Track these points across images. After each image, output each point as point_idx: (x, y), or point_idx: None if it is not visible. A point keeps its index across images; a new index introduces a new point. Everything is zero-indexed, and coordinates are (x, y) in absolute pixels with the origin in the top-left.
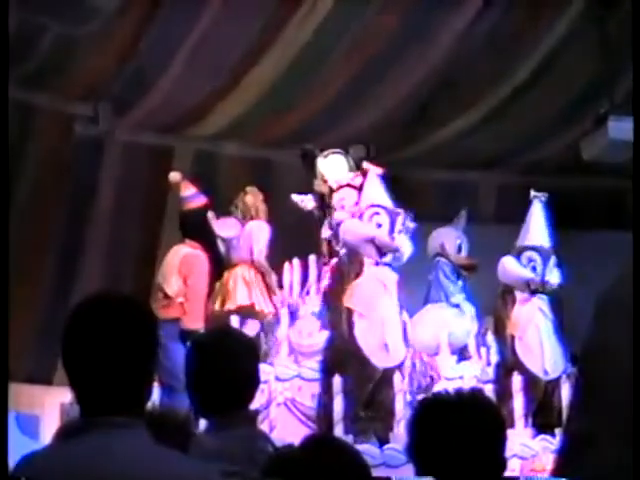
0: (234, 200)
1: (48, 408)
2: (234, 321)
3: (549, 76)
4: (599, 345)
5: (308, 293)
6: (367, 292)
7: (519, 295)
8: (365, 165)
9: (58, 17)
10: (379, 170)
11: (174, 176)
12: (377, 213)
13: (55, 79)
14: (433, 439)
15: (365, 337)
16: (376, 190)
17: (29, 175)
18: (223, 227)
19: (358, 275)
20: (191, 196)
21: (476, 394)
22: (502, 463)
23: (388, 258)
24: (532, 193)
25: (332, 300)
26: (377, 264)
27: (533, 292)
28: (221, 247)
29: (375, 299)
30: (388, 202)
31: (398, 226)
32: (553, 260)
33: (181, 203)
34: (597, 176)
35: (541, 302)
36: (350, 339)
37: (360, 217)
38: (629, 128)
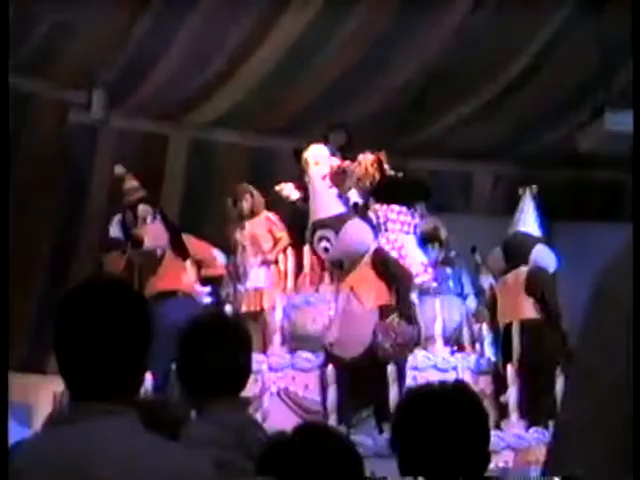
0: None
1: (41, 397)
2: (228, 309)
3: (545, 68)
4: (591, 336)
5: (303, 283)
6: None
7: None
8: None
9: (53, 5)
10: (324, 170)
11: (118, 170)
12: (321, 238)
13: (50, 67)
14: (416, 432)
15: (327, 337)
16: (315, 202)
17: (23, 162)
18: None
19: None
20: (134, 188)
21: (459, 386)
22: (485, 456)
23: None
24: (520, 189)
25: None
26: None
27: None
28: None
29: (336, 300)
30: (331, 210)
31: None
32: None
33: (123, 196)
34: (593, 167)
35: None
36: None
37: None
38: (625, 120)
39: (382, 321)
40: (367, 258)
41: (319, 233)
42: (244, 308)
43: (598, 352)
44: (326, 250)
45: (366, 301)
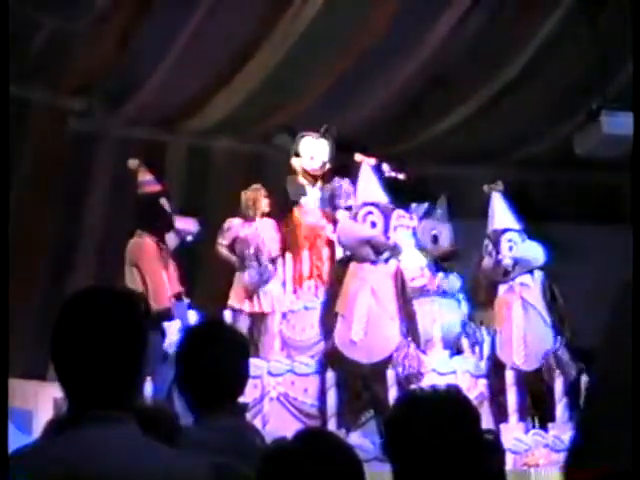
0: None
1: (41, 403)
2: (227, 315)
3: (542, 71)
4: (619, 340)
5: (301, 288)
6: (348, 292)
7: (501, 287)
8: (357, 157)
9: (53, 13)
10: (372, 161)
11: (132, 163)
12: (371, 212)
13: (49, 75)
14: (408, 437)
15: (339, 336)
16: (369, 185)
17: (22, 170)
18: (181, 222)
19: (343, 277)
20: (147, 181)
21: (452, 391)
22: (478, 460)
23: (384, 255)
24: (486, 187)
25: (326, 302)
26: (362, 262)
27: (506, 275)
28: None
29: (354, 298)
30: (382, 197)
31: (393, 223)
32: (507, 238)
33: (137, 188)
34: (590, 170)
35: (524, 289)
36: (330, 341)
37: (355, 217)
38: (622, 122)
39: (405, 343)
40: (391, 269)
41: (366, 209)
42: (248, 308)
43: (622, 355)
44: (374, 225)
45: (391, 310)
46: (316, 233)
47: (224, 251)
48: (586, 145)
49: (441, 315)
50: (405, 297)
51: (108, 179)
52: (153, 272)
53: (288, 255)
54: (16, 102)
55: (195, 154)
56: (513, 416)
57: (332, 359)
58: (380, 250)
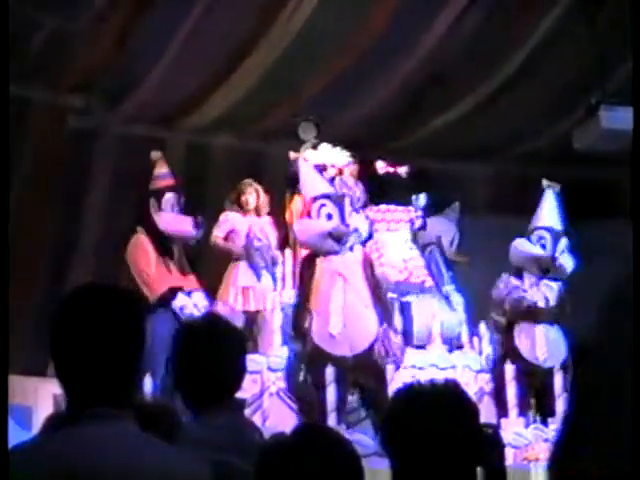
0: (229, 192)
1: (41, 399)
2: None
3: (540, 69)
4: (613, 340)
5: None
6: (320, 288)
7: (527, 280)
8: (292, 155)
9: (53, 13)
10: (309, 157)
11: (155, 154)
12: (323, 205)
13: (49, 73)
14: (407, 431)
15: (317, 333)
16: (313, 180)
17: (22, 168)
18: (174, 223)
19: (313, 274)
20: (162, 175)
21: (450, 384)
22: (476, 454)
23: (349, 243)
24: (545, 182)
25: (298, 302)
26: (328, 255)
27: (544, 272)
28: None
29: (327, 292)
30: (328, 188)
31: (347, 209)
32: (564, 243)
33: (151, 181)
34: (589, 165)
35: (547, 289)
36: (309, 340)
37: (308, 215)
38: (621, 117)
39: (385, 331)
40: (358, 256)
41: (318, 203)
42: (243, 307)
43: (618, 355)
44: (330, 217)
45: (365, 297)
46: None
47: (221, 242)
48: (585, 140)
49: (441, 311)
50: (376, 281)
51: (108, 176)
52: (144, 264)
53: (288, 251)
54: (16, 101)
55: (194, 151)
56: (513, 411)
57: (314, 358)
58: (342, 240)
